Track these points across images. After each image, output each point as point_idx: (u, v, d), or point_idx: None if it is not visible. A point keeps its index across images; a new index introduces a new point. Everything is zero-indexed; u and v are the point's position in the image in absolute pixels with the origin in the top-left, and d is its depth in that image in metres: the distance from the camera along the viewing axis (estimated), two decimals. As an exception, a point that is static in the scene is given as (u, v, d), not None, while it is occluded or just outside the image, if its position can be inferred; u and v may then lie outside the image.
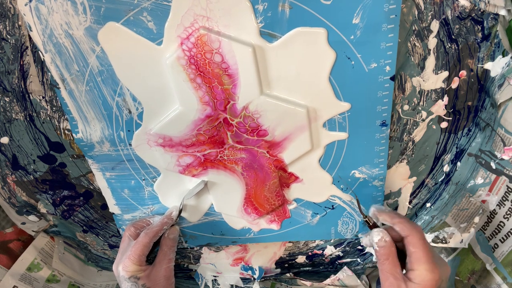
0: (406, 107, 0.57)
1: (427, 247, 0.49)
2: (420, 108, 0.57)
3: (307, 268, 0.81)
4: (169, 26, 0.47)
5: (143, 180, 0.63)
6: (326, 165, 0.60)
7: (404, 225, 0.51)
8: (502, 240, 0.60)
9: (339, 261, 0.79)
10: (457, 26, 0.50)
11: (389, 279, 0.51)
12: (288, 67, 0.50)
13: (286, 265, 0.81)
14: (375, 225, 0.58)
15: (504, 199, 0.59)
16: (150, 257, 0.59)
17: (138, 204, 0.66)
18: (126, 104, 0.55)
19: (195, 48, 0.48)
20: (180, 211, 0.63)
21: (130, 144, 0.59)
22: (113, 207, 0.67)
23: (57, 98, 0.56)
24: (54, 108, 0.57)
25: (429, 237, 0.70)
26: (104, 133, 0.58)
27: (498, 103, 0.54)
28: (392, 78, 0.51)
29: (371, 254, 0.78)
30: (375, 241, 0.53)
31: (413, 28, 0.50)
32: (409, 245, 0.50)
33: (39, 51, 0.50)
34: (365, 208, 0.64)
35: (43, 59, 0.51)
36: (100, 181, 0.63)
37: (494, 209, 0.60)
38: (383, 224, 0.57)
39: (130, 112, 0.55)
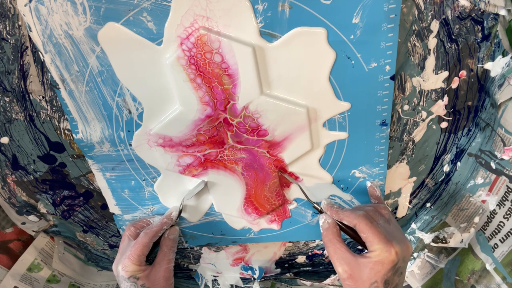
0: (406, 107, 0.57)
1: (375, 229, 0.50)
2: (420, 108, 0.57)
3: (307, 268, 0.81)
4: (169, 26, 0.47)
5: (143, 180, 0.63)
6: (326, 164, 0.61)
7: (349, 217, 0.53)
8: (502, 240, 0.60)
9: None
10: (457, 26, 0.50)
11: (338, 256, 0.52)
12: (288, 67, 0.50)
13: (286, 265, 0.81)
14: (323, 212, 0.58)
15: (504, 199, 0.58)
16: (150, 257, 0.59)
17: (138, 205, 0.66)
18: (126, 105, 0.55)
19: (195, 48, 0.48)
20: (180, 212, 0.63)
21: (130, 145, 0.59)
22: (113, 208, 0.67)
23: (57, 98, 0.56)
24: (54, 108, 0.57)
25: (429, 237, 0.70)
26: (104, 134, 0.58)
27: (498, 103, 0.54)
28: (392, 78, 0.51)
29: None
30: (320, 225, 0.55)
31: (413, 28, 0.50)
32: (360, 233, 0.51)
33: (39, 52, 0.50)
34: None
35: (43, 59, 0.51)
36: (100, 182, 0.63)
37: (494, 209, 0.60)
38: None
39: (130, 112, 0.55)
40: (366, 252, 0.51)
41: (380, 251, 0.49)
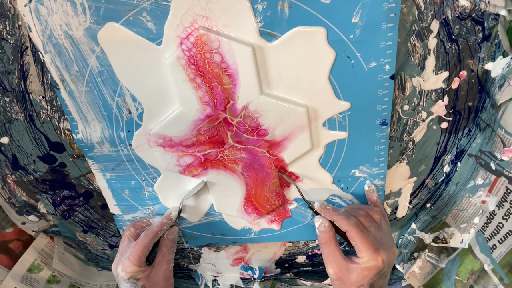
0: (406, 107, 0.57)
1: (365, 238, 0.53)
2: (420, 108, 0.57)
3: (307, 268, 0.81)
4: (168, 26, 0.47)
5: (143, 180, 0.63)
6: (326, 164, 0.60)
7: (342, 222, 0.55)
8: (501, 241, 0.59)
9: (339, 261, 0.79)
10: (457, 26, 0.50)
11: (330, 259, 0.55)
12: (287, 66, 0.50)
13: (286, 265, 0.81)
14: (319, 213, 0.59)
15: (503, 200, 0.58)
16: (149, 257, 0.59)
17: (139, 205, 0.66)
18: (126, 105, 0.55)
19: (195, 48, 0.48)
20: (180, 212, 0.63)
21: (130, 145, 0.59)
22: (113, 208, 0.67)
23: (57, 98, 0.56)
24: (54, 108, 0.57)
25: (430, 237, 0.70)
26: (104, 134, 0.58)
27: (498, 104, 0.54)
28: (392, 77, 0.51)
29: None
30: (316, 227, 0.57)
31: (413, 28, 0.50)
32: (350, 240, 0.54)
33: (39, 52, 0.50)
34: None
35: (43, 60, 0.51)
36: (101, 182, 0.63)
37: (494, 210, 0.60)
38: None
39: (130, 112, 0.55)
40: (355, 256, 0.54)
41: (368, 258, 0.53)
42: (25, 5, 0.47)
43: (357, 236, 0.53)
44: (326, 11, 0.46)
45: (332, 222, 0.57)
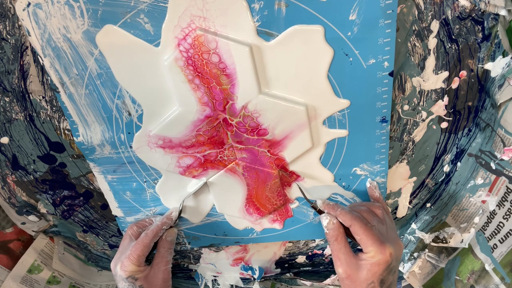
0: (406, 107, 0.57)
1: (369, 232, 0.52)
2: (420, 108, 0.57)
3: (307, 268, 0.81)
4: (166, 27, 0.47)
5: (145, 182, 0.63)
6: (327, 163, 0.60)
7: (345, 216, 0.54)
8: (502, 241, 0.59)
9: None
10: (457, 26, 0.50)
11: (340, 257, 0.54)
12: (286, 65, 0.50)
13: (286, 265, 0.81)
14: (322, 211, 0.59)
15: (503, 199, 0.58)
16: (149, 257, 0.59)
17: (140, 206, 0.66)
18: (125, 107, 0.55)
19: (192, 49, 0.48)
20: (180, 212, 0.63)
21: (130, 147, 0.59)
22: (115, 210, 0.67)
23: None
24: (54, 108, 0.58)
25: (430, 237, 0.70)
26: (104, 136, 0.58)
27: (498, 104, 0.53)
28: (391, 74, 0.51)
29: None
30: (324, 225, 0.56)
31: (413, 28, 0.50)
32: (354, 235, 0.54)
33: (38, 56, 0.50)
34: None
35: (43, 63, 0.51)
36: (102, 184, 0.63)
37: (494, 210, 0.60)
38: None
39: (129, 114, 0.55)
40: (362, 253, 0.54)
41: (375, 252, 0.52)
42: (24, 9, 0.47)
43: (361, 230, 0.52)
44: (323, 9, 0.46)
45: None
